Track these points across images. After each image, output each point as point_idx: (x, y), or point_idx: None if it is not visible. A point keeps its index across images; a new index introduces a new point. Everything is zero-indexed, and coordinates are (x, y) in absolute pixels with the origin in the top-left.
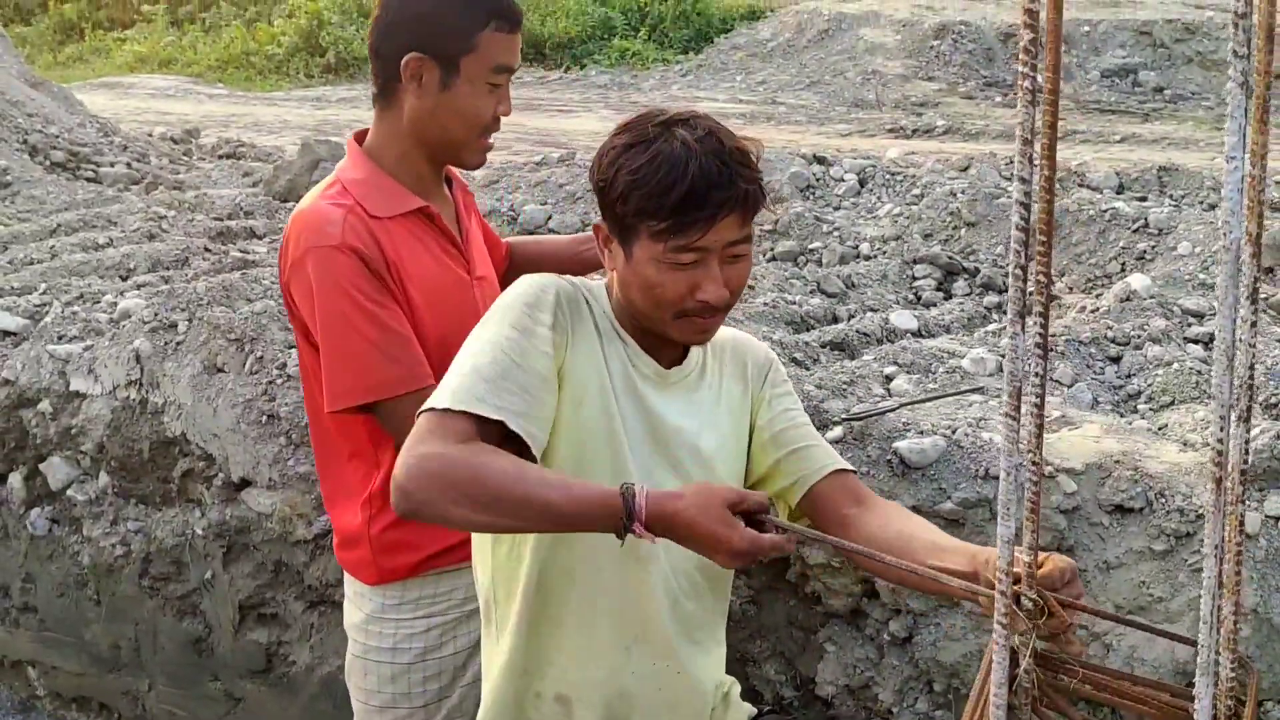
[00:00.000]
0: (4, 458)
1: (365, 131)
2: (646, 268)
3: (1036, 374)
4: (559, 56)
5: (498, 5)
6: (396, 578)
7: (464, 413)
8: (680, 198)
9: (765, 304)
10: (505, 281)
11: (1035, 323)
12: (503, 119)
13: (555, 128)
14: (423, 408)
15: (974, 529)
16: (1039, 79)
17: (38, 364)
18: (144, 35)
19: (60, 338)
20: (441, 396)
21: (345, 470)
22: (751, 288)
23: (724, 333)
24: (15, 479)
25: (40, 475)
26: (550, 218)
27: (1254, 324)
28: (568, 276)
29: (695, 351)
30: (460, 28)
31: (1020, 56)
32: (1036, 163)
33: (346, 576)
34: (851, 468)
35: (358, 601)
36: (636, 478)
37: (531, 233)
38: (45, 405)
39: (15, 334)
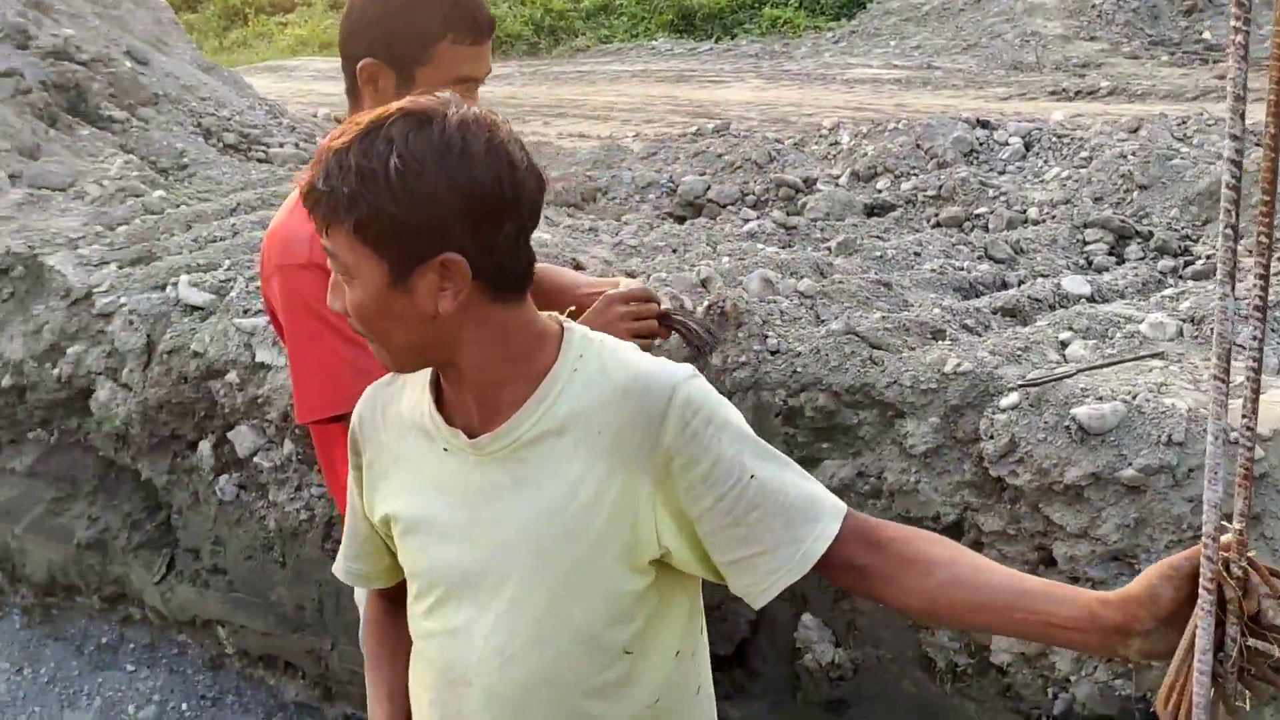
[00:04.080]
0: (194, 427)
1: None
2: None
3: (1255, 338)
4: (709, 27)
5: (456, 17)
6: None
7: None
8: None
9: (932, 270)
10: None
11: (1254, 286)
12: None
13: (708, 98)
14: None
15: (1156, 495)
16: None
17: (225, 337)
18: (304, 19)
19: (245, 311)
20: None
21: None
22: (917, 254)
23: (618, 371)
24: (205, 447)
25: (228, 443)
26: (709, 188)
27: None
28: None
29: (536, 404)
30: (415, 38)
31: (1232, 10)
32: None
33: None
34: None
35: None
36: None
37: (691, 203)
38: (232, 376)
39: (203, 308)
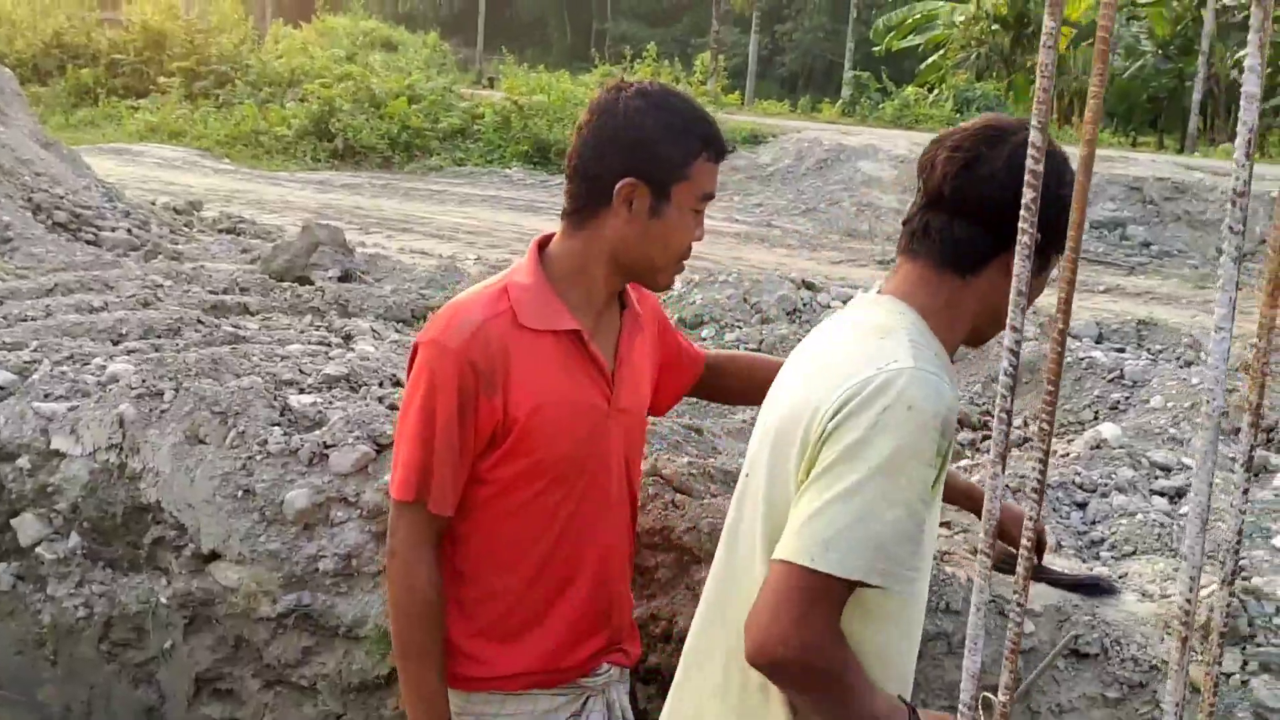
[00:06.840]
0: None
1: (550, 237)
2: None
3: (1030, 517)
4: (564, 161)
5: (710, 135)
6: (468, 688)
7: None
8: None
9: (744, 420)
10: (700, 390)
11: (1035, 467)
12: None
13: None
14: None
15: (930, 662)
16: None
17: (21, 420)
18: (157, 105)
19: (46, 396)
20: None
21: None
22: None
23: None
24: None
25: (10, 530)
26: None
27: (1246, 491)
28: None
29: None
30: (676, 156)
31: (1022, 213)
32: (1028, 312)
33: None
34: None
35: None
36: None
37: None
38: (24, 461)
39: (2, 388)
